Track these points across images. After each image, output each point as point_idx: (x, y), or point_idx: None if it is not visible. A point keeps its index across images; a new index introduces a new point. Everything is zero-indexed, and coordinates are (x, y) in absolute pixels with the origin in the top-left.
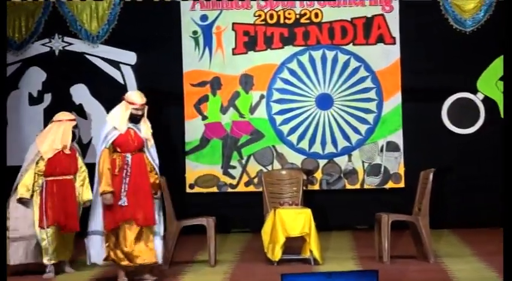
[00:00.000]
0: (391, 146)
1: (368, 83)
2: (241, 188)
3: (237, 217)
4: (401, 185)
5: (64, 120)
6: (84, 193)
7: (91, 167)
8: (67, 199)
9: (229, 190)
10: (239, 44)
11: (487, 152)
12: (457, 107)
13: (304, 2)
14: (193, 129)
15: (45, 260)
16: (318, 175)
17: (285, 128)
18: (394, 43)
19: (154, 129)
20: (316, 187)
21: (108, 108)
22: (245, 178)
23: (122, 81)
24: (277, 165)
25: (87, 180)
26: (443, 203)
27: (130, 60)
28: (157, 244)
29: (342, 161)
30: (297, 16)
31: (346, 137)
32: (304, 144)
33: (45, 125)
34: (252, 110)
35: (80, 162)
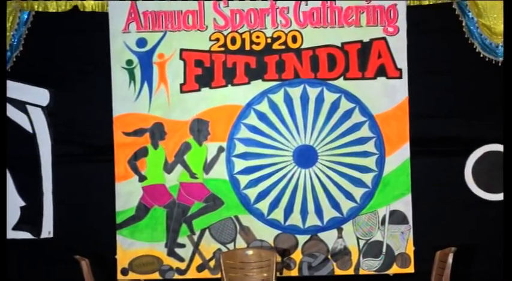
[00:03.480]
0: (396, 217)
1: (365, 132)
2: (192, 274)
3: None
4: (411, 269)
5: None
6: None
7: None
8: None
9: (176, 276)
10: (189, 78)
11: None
12: (486, 164)
13: (279, 19)
14: (126, 194)
15: None
16: (297, 256)
17: (252, 193)
18: (401, 77)
19: (74, 193)
20: (295, 273)
21: (11, 166)
22: (197, 260)
23: (29, 129)
24: (241, 242)
25: None
26: None
27: (42, 101)
28: None
29: (330, 238)
30: (268, 40)
31: (335, 205)
32: (278, 214)
33: None
34: (207, 168)
35: None
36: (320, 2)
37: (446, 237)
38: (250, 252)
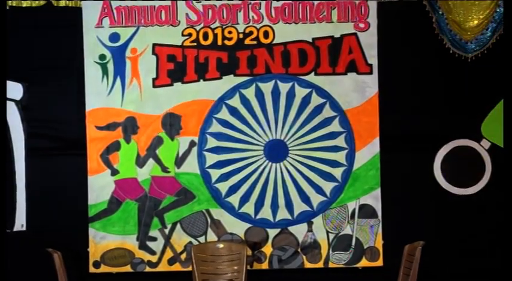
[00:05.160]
0: (366, 211)
1: (335, 126)
2: (163, 266)
3: None
4: (379, 263)
5: None
6: None
7: None
8: None
9: (148, 269)
10: (162, 72)
11: (495, 220)
12: (455, 158)
13: (250, 14)
14: (99, 187)
15: None
16: (267, 249)
17: (223, 187)
18: (371, 72)
19: (47, 187)
20: (265, 266)
21: None
22: (169, 253)
23: None
24: (212, 236)
25: None
26: None
27: (15, 95)
28: None
29: (300, 231)
30: (240, 36)
31: (306, 199)
32: (249, 208)
33: None
34: (179, 162)
35: None
36: None
37: (415, 231)
38: (221, 245)
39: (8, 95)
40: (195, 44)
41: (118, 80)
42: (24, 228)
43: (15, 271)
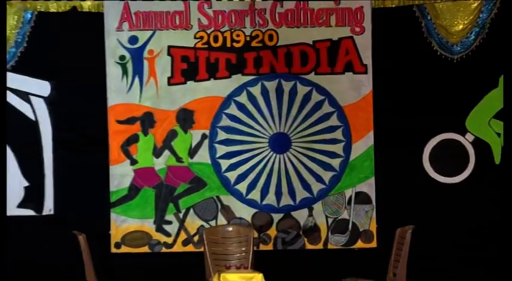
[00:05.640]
0: (361, 198)
1: (333, 121)
2: (178, 247)
3: None
4: (373, 244)
5: None
6: None
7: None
8: None
9: (164, 249)
10: (176, 72)
11: (478, 206)
12: (442, 151)
13: (256, 19)
14: (119, 176)
15: None
16: (272, 232)
17: (232, 175)
18: (366, 72)
19: (73, 175)
20: (270, 247)
21: (16, 150)
22: (183, 236)
23: (32, 117)
24: (222, 220)
25: None
26: (423, 268)
27: (43, 91)
28: None
29: (301, 216)
30: (247, 38)
31: (307, 187)
32: (255, 195)
33: None
34: (192, 153)
35: None
36: (294, 3)
37: (406, 216)
38: (230, 228)
39: (37, 92)
40: (207, 46)
41: (136, 79)
42: (52, 212)
43: (43, 251)
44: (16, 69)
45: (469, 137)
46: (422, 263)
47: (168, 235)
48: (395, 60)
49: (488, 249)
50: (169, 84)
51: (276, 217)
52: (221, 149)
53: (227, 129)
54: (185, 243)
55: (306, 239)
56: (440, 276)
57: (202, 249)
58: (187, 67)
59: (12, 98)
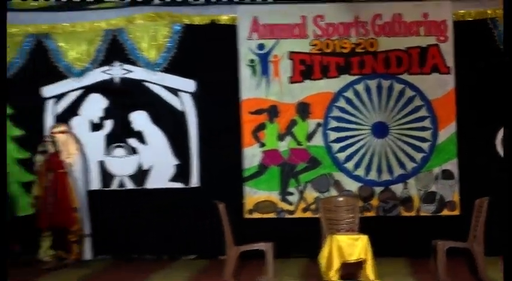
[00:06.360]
0: (446, 175)
1: (423, 112)
2: (298, 214)
3: (294, 243)
4: (457, 212)
5: None
6: None
7: (156, 194)
8: None
9: (287, 216)
10: (296, 72)
11: None
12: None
13: (360, 30)
14: (251, 156)
15: None
16: (374, 202)
17: (342, 156)
18: (449, 73)
19: (212, 155)
20: (373, 214)
21: (168, 135)
22: (302, 205)
23: (181, 109)
24: (333, 192)
25: None
26: (498, 231)
27: (189, 88)
28: None
29: (398, 189)
30: (353, 46)
31: (402, 165)
32: (361, 171)
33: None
34: (309, 137)
35: None
36: (391, 17)
37: (483, 189)
38: (340, 199)
39: (184, 89)
40: (320, 51)
41: (264, 78)
42: (197, 185)
43: (191, 218)
44: (168, 70)
45: None
46: (497, 227)
47: (290, 203)
48: (472, 63)
49: None
50: (290, 82)
51: (377, 189)
52: (332, 135)
53: (337, 119)
54: (304, 210)
55: (401, 207)
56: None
57: (318, 215)
58: (305, 69)
59: (164, 93)
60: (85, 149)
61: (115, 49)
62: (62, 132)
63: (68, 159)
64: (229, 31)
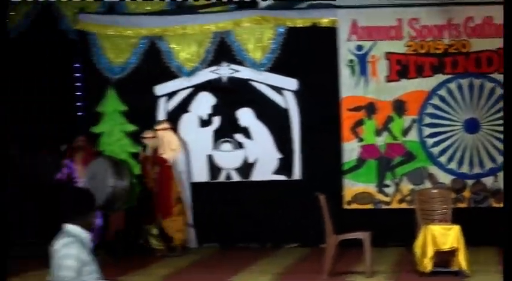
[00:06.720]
0: None
1: None
2: (394, 205)
3: (391, 232)
4: None
5: None
6: None
7: (260, 186)
8: None
9: (384, 206)
10: (392, 72)
11: None
12: None
13: (452, 32)
14: (350, 150)
15: None
16: (467, 193)
17: (436, 150)
18: None
19: (313, 150)
20: (465, 205)
21: (272, 131)
22: (398, 196)
23: (284, 106)
24: (427, 184)
25: None
26: None
27: (292, 87)
28: None
29: (489, 181)
30: (446, 46)
31: (492, 159)
32: (453, 165)
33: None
34: (405, 133)
35: None
36: (482, 19)
37: None
38: (434, 191)
39: (287, 87)
40: (415, 52)
41: (362, 77)
42: (299, 177)
43: (293, 208)
44: (272, 70)
45: None
46: None
47: (386, 195)
48: None
49: None
50: (387, 81)
51: (469, 182)
52: (427, 130)
53: (431, 116)
54: (400, 202)
55: (492, 199)
56: None
57: (413, 206)
58: (400, 68)
59: (269, 92)
60: (194, 144)
61: (223, 50)
62: (165, 129)
63: (169, 154)
64: (330, 33)
